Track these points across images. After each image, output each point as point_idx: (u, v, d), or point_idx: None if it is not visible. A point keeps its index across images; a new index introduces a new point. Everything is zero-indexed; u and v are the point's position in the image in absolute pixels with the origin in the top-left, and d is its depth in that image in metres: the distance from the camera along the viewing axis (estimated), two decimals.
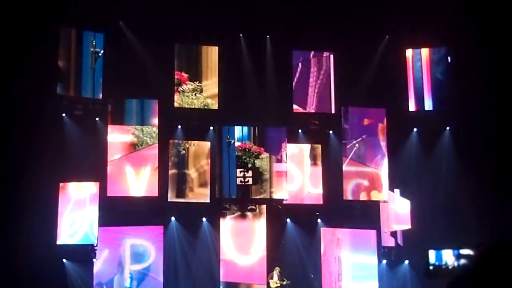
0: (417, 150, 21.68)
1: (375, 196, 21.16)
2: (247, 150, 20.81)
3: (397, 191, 21.27)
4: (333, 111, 21.57)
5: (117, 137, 20.37)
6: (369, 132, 21.56)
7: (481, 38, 19.91)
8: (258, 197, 20.80)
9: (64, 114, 20.43)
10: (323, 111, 21.64)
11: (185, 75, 21.00)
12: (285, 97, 21.39)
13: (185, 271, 20.45)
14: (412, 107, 21.72)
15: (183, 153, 20.81)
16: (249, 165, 20.74)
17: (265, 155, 20.87)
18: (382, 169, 21.25)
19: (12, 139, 18.89)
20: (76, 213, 19.73)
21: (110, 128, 20.33)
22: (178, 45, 21.12)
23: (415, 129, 21.84)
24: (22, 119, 18.90)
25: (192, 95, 20.87)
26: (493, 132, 20.07)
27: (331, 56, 21.78)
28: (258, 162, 20.77)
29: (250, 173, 20.72)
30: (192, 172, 20.73)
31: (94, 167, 20.04)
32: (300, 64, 21.72)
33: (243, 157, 20.75)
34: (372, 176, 21.31)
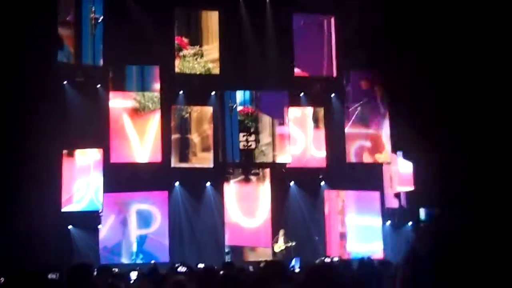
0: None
1: (378, 158, 21.23)
2: (249, 114, 20.80)
3: (399, 153, 21.34)
4: (335, 75, 21.48)
5: (119, 103, 20.35)
6: (370, 94, 21.55)
7: None
8: (261, 161, 20.83)
9: (65, 82, 20.38)
10: (325, 75, 21.55)
11: (186, 40, 20.90)
12: (287, 61, 21.28)
13: (190, 235, 20.60)
14: None
15: (185, 117, 20.79)
16: (252, 129, 20.74)
17: (266, 117, 20.85)
18: (384, 131, 21.28)
19: (14, 108, 18.89)
20: (81, 180, 19.79)
21: (112, 94, 20.30)
22: (178, 10, 20.98)
23: None
24: (24, 87, 18.87)
25: (193, 60, 20.79)
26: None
27: (332, 19, 21.62)
28: (260, 126, 20.78)
29: (253, 137, 20.74)
30: (194, 137, 20.74)
31: (97, 133, 20.07)
32: (301, 28, 21.58)
33: (245, 121, 20.76)
34: (375, 138, 21.37)
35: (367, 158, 21.27)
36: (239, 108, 20.90)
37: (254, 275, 6.61)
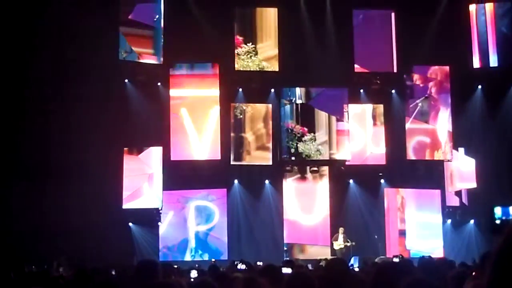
0: (481, 108, 21.23)
1: (438, 155, 20.91)
2: (289, 130, 20.65)
3: (461, 149, 20.97)
4: (395, 70, 21.23)
5: (179, 100, 20.52)
6: (432, 90, 21.24)
7: None
8: (316, 158, 20.74)
9: (126, 80, 20.65)
10: (385, 70, 21.32)
11: (240, 38, 20.92)
12: (346, 57, 21.11)
13: (248, 232, 20.61)
14: (476, 64, 21.20)
15: (241, 116, 20.81)
16: (292, 150, 20.63)
17: (308, 136, 20.66)
18: (446, 127, 20.95)
19: (77, 107, 19.26)
20: (141, 177, 20.02)
21: (172, 92, 20.48)
22: (237, 9, 21.03)
23: (479, 86, 21.33)
24: (86, 86, 19.22)
25: (247, 57, 20.78)
26: None
27: (393, 14, 21.36)
28: (301, 146, 20.61)
29: (293, 159, 20.73)
30: (249, 136, 20.74)
31: (157, 131, 20.32)
32: (361, 23, 21.39)
33: (286, 140, 20.63)
34: (435, 135, 21.04)
35: (427, 155, 20.97)
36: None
37: (321, 273, 6.51)
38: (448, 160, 20.89)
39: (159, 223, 20.27)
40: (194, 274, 11.54)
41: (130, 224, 20.12)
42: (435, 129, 21.05)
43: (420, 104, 21.09)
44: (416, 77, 21.30)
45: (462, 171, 20.82)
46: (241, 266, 11.64)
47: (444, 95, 21.22)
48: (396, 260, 15.64)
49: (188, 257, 20.17)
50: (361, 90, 21.49)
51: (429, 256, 12.08)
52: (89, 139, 19.06)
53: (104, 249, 17.94)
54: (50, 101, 19.72)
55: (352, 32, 21.24)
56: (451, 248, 20.31)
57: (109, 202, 19.27)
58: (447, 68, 21.19)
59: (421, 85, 21.30)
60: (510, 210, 18.27)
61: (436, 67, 21.25)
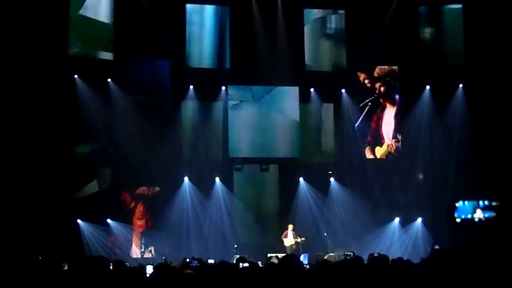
0: (430, 106, 21.59)
1: (379, 152, 21.30)
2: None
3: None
4: (346, 69, 21.49)
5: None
6: (380, 89, 21.55)
7: None
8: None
9: (76, 76, 20.32)
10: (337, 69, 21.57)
11: None
12: (297, 55, 21.24)
13: (198, 229, 20.55)
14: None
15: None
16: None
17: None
18: (392, 126, 21.37)
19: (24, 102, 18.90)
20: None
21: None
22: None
23: (427, 86, 21.68)
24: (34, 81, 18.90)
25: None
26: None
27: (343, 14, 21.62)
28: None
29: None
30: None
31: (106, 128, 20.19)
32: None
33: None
34: (383, 134, 21.39)
35: (376, 154, 21.32)
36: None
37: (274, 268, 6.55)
38: (393, 154, 21.28)
39: (108, 220, 20.06)
40: (149, 269, 11.51)
41: (79, 220, 19.83)
42: (382, 128, 21.39)
43: (370, 104, 21.39)
44: (363, 76, 21.58)
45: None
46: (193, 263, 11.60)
47: (392, 94, 21.57)
48: (348, 257, 15.83)
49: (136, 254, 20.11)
50: (312, 89, 21.64)
51: (378, 254, 12.17)
52: (37, 135, 18.76)
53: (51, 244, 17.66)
54: None
55: (303, 30, 21.39)
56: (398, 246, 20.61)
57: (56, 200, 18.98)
58: (395, 67, 21.55)
59: (368, 84, 21.59)
60: (468, 207, 18.83)
61: (385, 66, 21.59)
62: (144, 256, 20.00)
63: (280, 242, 19.72)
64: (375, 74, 21.61)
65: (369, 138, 21.42)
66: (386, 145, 21.27)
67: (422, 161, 21.20)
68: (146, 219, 20.51)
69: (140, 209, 20.50)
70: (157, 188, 20.57)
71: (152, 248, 20.28)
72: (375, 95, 21.49)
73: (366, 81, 21.57)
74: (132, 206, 20.49)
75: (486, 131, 20.13)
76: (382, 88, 21.51)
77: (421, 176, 21.31)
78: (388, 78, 21.57)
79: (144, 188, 20.54)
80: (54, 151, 19.06)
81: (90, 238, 19.82)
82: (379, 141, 21.37)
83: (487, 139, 20.02)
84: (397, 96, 21.51)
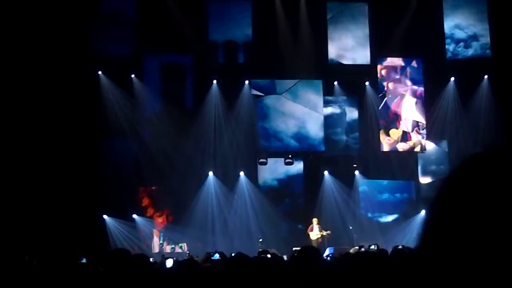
0: (455, 99, 21.39)
1: (410, 146, 21.15)
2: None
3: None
4: (369, 62, 21.36)
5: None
6: (402, 80, 21.46)
7: None
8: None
9: (100, 72, 20.43)
10: (359, 62, 21.46)
11: None
12: (321, 49, 21.17)
13: (223, 224, 20.54)
14: (449, 55, 21.44)
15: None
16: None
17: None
18: (414, 118, 21.21)
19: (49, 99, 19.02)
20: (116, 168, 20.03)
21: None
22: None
23: (452, 78, 21.49)
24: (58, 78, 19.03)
25: None
26: None
27: (366, 7, 21.49)
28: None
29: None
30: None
31: (130, 122, 20.27)
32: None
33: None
34: (405, 126, 21.27)
35: (400, 147, 21.19)
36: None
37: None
38: (421, 152, 21.10)
39: (134, 216, 20.16)
40: (170, 263, 11.60)
41: (105, 216, 19.94)
42: (401, 115, 21.30)
43: (389, 96, 21.35)
44: (384, 70, 21.47)
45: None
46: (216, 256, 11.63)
47: (414, 86, 21.44)
48: (372, 249, 15.73)
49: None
50: (335, 82, 21.55)
51: (402, 246, 12.08)
52: (63, 131, 18.89)
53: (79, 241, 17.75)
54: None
55: (326, 24, 21.31)
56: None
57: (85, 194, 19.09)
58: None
59: (393, 76, 21.50)
60: None
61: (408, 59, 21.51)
62: (165, 250, 20.04)
63: (306, 235, 19.66)
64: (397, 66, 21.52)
65: (382, 121, 21.25)
66: (401, 130, 21.14)
67: (448, 154, 20.99)
68: (166, 214, 20.55)
69: (155, 205, 20.56)
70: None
71: (184, 245, 20.27)
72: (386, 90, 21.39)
73: (388, 73, 21.48)
74: (147, 203, 20.55)
75: None
76: (404, 79, 21.40)
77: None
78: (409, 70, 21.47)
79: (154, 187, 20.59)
80: (79, 147, 19.18)
81: (116, 233, 19.93)
82: (394, 124, 21.22)
83: None
84: (415, 87, 21.32)
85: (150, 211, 20.48)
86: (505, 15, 20.36)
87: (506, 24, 20.37)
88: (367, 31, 21.47)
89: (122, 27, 20.37)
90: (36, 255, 15.25)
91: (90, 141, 19.68)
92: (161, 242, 20.24)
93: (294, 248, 17.41)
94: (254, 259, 6.60)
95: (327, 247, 18.46)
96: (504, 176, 0.98)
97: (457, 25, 21.58)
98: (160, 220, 20.44)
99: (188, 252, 18.16)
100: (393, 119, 21.25)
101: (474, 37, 21.49)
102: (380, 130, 21.25)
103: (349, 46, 21.48)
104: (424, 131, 21.27)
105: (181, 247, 20.19)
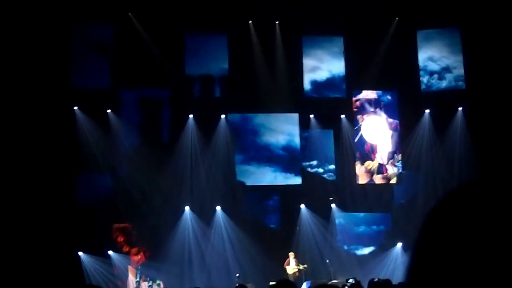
0: (430, 131, 21.55)
1: (369, 165, 21.30)
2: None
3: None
4: (344, 95, 21.53)
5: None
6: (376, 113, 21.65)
7: (496, 14, 19.76)
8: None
9: (75, 107, 20.37)
10: (335, 95, 21.62)
11: None
12: (296, 83, 21.31)
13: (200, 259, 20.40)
14: (424, 87, 21.69)
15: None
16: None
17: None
18: (388, 149, 21.37)
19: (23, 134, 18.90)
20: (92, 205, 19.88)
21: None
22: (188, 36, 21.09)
23: (427, 110, 21.66)
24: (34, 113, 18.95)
25: None
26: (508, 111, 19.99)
27: (341, 40, 21.70)
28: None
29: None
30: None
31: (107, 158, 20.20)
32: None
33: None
34: (380, 158, 21.43)
35: (376, 179, 21.29)
36: None
37: None
38: (397, 184, 21.27)
39: (109, 252, 19.94)
40: None
41: (80, 253, 19.71)
42: (379, 152, 21.41)
43: (363, 128, 21.51)
44: (359, 102, 21.63)
45: None
46: None
47: (389, 119, 21.60)
48: (350, 282, 15.68)
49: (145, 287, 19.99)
50: (311, 115, 21.64)
51: (378, 279, 12.04)
52: (38, 168, 18.73)
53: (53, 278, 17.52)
54: None
55: (302, 58, 21.47)
56: (402, 272, 20.38)
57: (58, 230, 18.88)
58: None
59: (367, 107, 21.67)
60: None
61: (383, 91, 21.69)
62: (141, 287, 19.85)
63: (284, 269, 19.58)
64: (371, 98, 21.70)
65: (358, 154, 21.33)
66: (377, 162, 21.24)
67: (424, 185, 21.06)
68: (143, 250, 20.33)
69: (130, 242, 20.35)
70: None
71: (161, 282, 20.06)
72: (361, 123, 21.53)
73: (364, 105, 21.67)
74: (122, 239, 20.34)
75: (487, 155, 19.99)
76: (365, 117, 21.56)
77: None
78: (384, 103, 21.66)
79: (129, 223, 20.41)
80: (55, 183, 19.00)
81: (92, 270, 19.71)
82: (369, 156, 21.33)
83: (487, 162, 19.88)
84: (390, 119, 21.49)
85: (126, 248, 20.24)
86: (478, 47, 20.60)
87: (479, 56, 20.60)
88: (342, 64, 21.65)
89: (99, 61, 20.37)
90: None
91: (65, 177, 19.50)
92: (137, 280, 19.99)
93: (270, 283, 17.35)
94: None
95: (304, 281, 18.40)
96: (485, 208, 1.02)
97: (431, 57, 21.81)
98: (137, 257, 20.20)
99: None
100: (369, 152, 21.35)
101: (447, 69, 21.69)
102: (356, 162, 21.32)
103: (324, 78, 21.63)
104: (400, 163, 21.39)
105: (158, 285, 19.97)
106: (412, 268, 1.10)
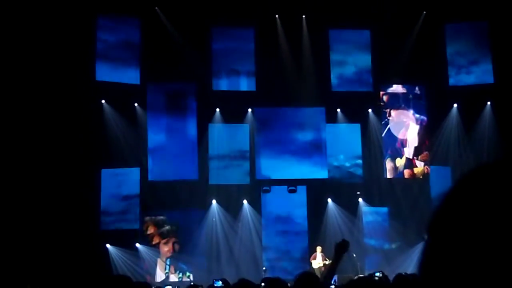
0: (458, 126, 21.39)
1: (399, 162, 21.17)
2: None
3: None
4: (372, 89, 21.42)
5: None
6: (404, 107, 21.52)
7: None
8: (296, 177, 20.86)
9: (103, 101, 20.51)
10: (362, 90, 21.50)
11: None
12: (323, 77, 21.23)
13: (228, 252, 20.44)
14: (452, 82, 21.48)
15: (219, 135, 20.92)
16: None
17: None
18: (415, 144, 21.23)
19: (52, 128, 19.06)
20: (119, 199, 19.92)
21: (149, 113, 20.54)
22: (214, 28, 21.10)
23: (455, 105, 21.50)
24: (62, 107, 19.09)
25: None
26: None
27: (368, 34, 21.57)
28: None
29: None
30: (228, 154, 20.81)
31: (134, 152, 20.26)
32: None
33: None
34: (407, 152, 21.30)
35: (405, 174, 21.14)
36: None
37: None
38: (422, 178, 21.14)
39: (137, 245, 20.07)
40: None
41: (108, 245, 19.87)
42: (408, 147, 21.28)
43: (391, 123, 21.38)
44: (387, 97, 21.53)
45: None
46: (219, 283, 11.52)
47: (416, 113, 21.46)
48: (377, 276, 15.58)
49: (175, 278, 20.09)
50: (338, 110, 21.57)
51: (405, 273, 11.96)
52: (66, 160, 18.89)
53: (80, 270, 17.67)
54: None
55: (328, 52, 21.39)
56: None
57: (86, 224, 19.02)
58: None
59: (395, 102, 21.56)
60: None
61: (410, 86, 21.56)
62: (170, 279, 19.94)
63: (309, 264, 19.56)
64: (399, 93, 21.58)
65: (387, 150, 21.24)
66: (405, 158, 21.14)
67: (451, 181, 20.91)
68: (173, 242, 20.43)
69: (161, 233, 20.46)
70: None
71: (191, 275, 20.16)
72: (388, 117, 21.39)
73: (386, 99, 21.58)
74: (152, 231, 20.45)
75: None
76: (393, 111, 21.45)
77: None
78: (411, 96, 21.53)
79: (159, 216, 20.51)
80: (83, 176, 19.16)
81: (119, 263, 19.84)
82: (399, 152, 21.22)
83: None
84: (417, 115, 21.36)
85: (156, 239, 20.36)
86: (506, 41, 20.40)
87: (507, 50, 20.40)
88: (369, 57, 21.53)
89: (126, 55, 20.47)
90: (39, 284, 15.30)
91: (94, 170, 19.65)
92: (167, 271, 20.11)
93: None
94: (257, 286, 6.56)
95: None
96: (506, 189, 0.97)
97: (458, 51, 21.61)
98: (166, 248, 20.32)
99: (192, 282, 18.06)
100: (398, 147, 21.23)
101: (475, 63, 21.47)
102: (384, 157, 21.21)
103: (351, 72, 21.53)
104: (427, 158, 21.24)
105: (188, 277, 20.06)
106: (426, 257, 1.05)
